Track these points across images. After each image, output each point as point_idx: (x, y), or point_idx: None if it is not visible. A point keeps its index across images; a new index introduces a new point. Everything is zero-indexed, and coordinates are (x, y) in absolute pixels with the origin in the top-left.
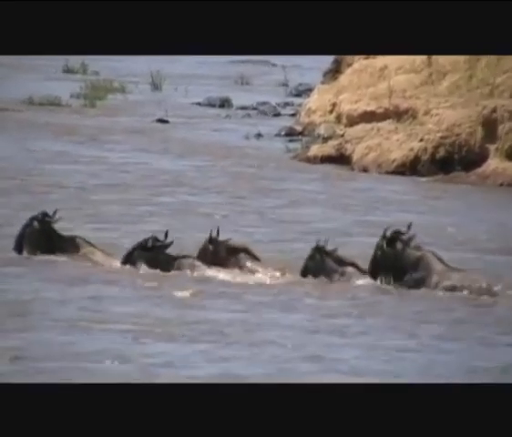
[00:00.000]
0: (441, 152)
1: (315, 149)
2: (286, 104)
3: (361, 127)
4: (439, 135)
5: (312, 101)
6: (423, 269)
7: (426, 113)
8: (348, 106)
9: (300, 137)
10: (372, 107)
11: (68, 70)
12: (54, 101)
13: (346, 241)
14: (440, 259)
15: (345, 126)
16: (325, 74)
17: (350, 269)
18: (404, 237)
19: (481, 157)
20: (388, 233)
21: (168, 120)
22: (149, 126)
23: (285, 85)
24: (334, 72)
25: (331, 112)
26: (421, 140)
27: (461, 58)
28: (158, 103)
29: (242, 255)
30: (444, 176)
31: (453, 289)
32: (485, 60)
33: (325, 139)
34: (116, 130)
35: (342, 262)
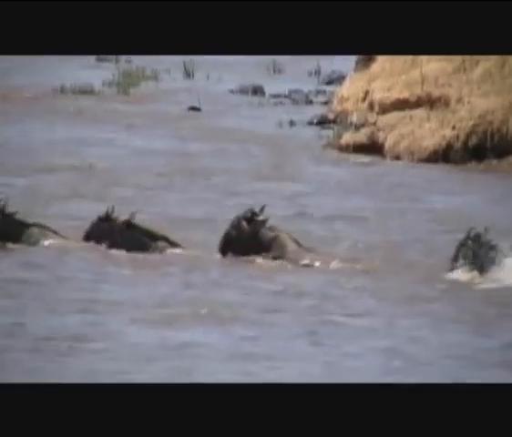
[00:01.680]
0: (473, 140)
1: (347, 137)
2: (318, 92)
3: (393, 115)
4: (471, 123)
5: (345, 89)
6: (277, 249)
7: (459, 101)
8: (380, 93)
9: (332, 125)
10: (404, 95)
11: (100, 58)
12: (86, 89)
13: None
14: (294, 240)
15: (377, 113)
16: (358, 61)
17: (161, 243)
18: (259, 218)
19: None
20: (248, 214)
21: (201, 108)
22: (182, 113)
23: (318, 72)
24: (367, 59)
25: (363, 100)
26: (453, 128)
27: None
28: (191, 91)
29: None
30: (476, 163)
31: (306, 266)
32: None
33: (357, 127)
34: (148, 118)
35: (153, 236)
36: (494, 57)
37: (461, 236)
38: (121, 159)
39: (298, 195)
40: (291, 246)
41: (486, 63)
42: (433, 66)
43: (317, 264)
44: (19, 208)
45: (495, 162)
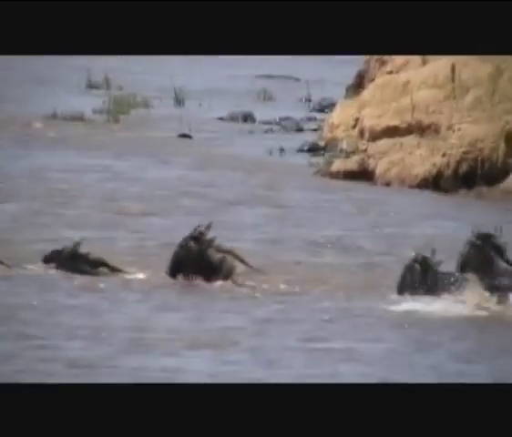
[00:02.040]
0: (464, 167)
1: (338, 164)
2: (309, 119)
3: (384, 142)
4: (462, 150)
5: (335, 116)
6: (225, 270)
7: (449, 128)
8: (371, 120)
9: (322, 152)
10: (395, 122)
11: (91, 85)
12: (76, 116)
13: None
14: (242, 260)
15: (368, 140)
16: (348, 88)
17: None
18: (206, 237)
19: (504, 173)
20: (195, 233)
21: (191, 135)
22: (172, 141)
23: (308, 100)
24: (357, 87)
25: (353, 127)
26: (444, 155)
27: (484, 73)
28: (181, 118)
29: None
30: (466, 191)
31: (253, 287)
32: (507, 75)
33: (348, 154)
34: (138, 145)
35: (94, 264)
36: (484, 84)
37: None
38: (103, 183)
39: (285, 219)
40: (239, 267)
41: (477, 90)
42: (423, 94)
43: (264, 286)
44: None
45: (485, 189)
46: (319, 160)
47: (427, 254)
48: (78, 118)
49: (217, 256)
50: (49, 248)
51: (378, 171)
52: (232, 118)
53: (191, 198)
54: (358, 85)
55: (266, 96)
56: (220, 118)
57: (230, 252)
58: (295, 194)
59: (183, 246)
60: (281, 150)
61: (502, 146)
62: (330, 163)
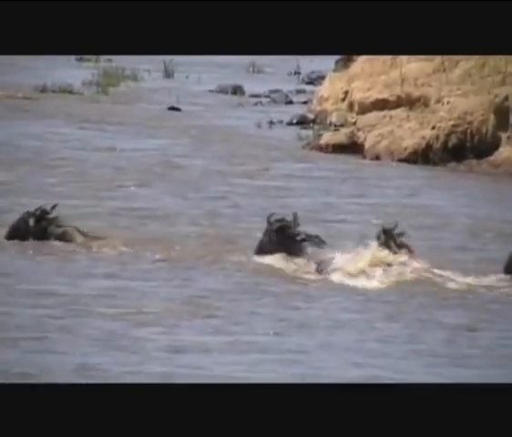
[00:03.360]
0: (453, 140)
1: (327, 137)
2: (298, 91)
3: (373, 115)
4: (451, 123)
5: (324, 89)
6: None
7: (438, 101)
8: (360, 93)
9: (312, 125)
10: (384, 95)
11: (81, 58)
12: (66, 88)
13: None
14: (82, 232)
15: (357, 113)
16: (337, 61)
17: None
18: (50, 216)
19: (493, 146)
20: (38, 211)
21: (180, 108)
22: (161, 113)
23: (297, 72)
24: (346, 60)
25: (343, 100)
26: (433, 128)
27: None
28: (170, 90)
29: None
30: (456, 164)
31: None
32: None
33: (337, 127)
34: (127, 117)
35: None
36: (474, 57)
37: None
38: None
39: (274, 192)
40: (78, 238)
41: (466, 63)
42: (412, 67)
43: (105, 250)
44: None
45: (474, 162)
46: (308, 133)
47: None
48: (68, 91)
49: (57, 231)
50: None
51: (367, 144)
52: (222, 91)
53: (175, 169)
54: (347, 58)
55: (255, 69)
56: (210, 91)
57: (69, 227)
58: (279, 166)
59: (23, 219)
60: (271, 123)
61: (491, 118)
62: (319, 136)
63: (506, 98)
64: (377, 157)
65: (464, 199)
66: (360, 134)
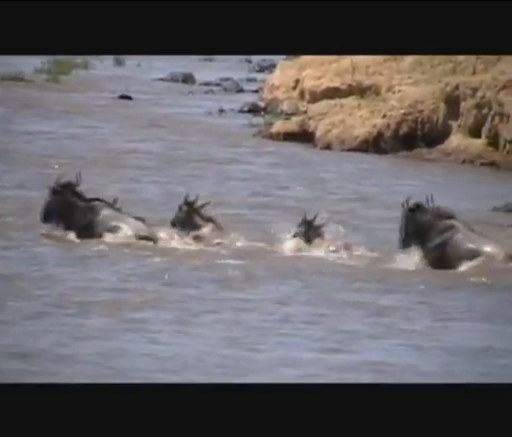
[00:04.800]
0: (404, 128)
1: (278, 126)
2: (249, 80)
3: (324, 104)
4: (402, 111)
5: (275, 77)
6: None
7: (389, 89)
8: (311, 82)
9: (263, 113)
10: (335, 84)
11: None
12: (17, 76)
13: None
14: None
15: (308, 102)
16: None
17: None
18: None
19: (444, 134)
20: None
21: (131, 96)
22: (112, 102)
23: (248, 61)
24: None
25: (294, 88)
26: (384, 116)
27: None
28: (121, 79)
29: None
30: (406, 152)
31: None
32: None
33: (288, 116)
34: (77, 105)
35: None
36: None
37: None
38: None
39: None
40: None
41: None
42: (363, 55)
43: None
44: None
45: (425, 151)
46: (259, 121)
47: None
48: (19, 78)
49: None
50: None
51: (318, 133)
52: (173, 79)
53: (125, 157)
54: None
55: (206, 57)
56: (161, 79)
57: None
58: (229, 152)
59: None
60: (221, 111)
61: (442, 107)
62: (270, 124)
63: (457, 87)
64: (328, 146)
65: (414, 188)
66: (311, 122)
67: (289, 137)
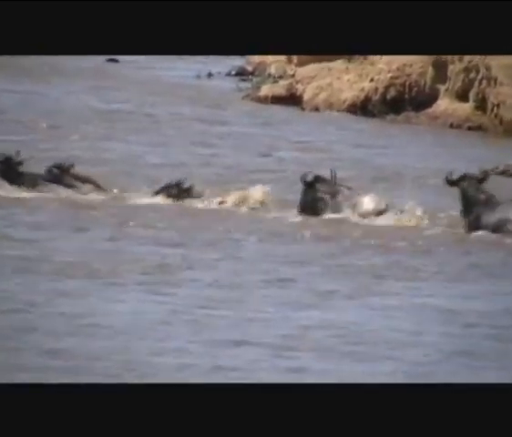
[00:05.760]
0: (391, 92)
1: (266, 89)
2: None
3: (312, 67)
4: (390, 75)
5: None
6: None
7: None
8: None
9: (250, 76)
10: None
11: None
12: None
13: None
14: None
15: (296, 65)
16: None
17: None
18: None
19: (431, 98)
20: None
21: (118, 59)
22: (99, 65)
23: None
24: None
25: None
26: (371, 80)
27: None
28: None
29: None
30: (394, 116)
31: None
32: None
33: (276, 79)
34: (62, 67)
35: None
36: None
37: None
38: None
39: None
40: None
41: None
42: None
43: None
44: None
45: (412, 114)
46: (247, 85)
47: None
48: None
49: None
50: None
51: (306, 96)
52: None
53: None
54: None
55: None
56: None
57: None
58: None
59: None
60: (209, 75)
61: (430, 71)
62: (258, 88)
63: None
64: (316, 109)
65: (403, 150)
66: (299, 86)
67: (276, 100)
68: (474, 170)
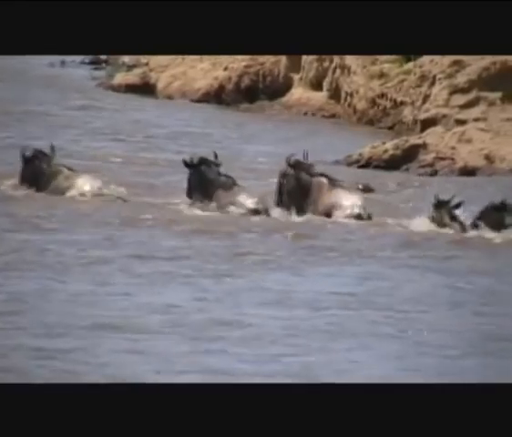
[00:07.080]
0: (245, 81)
1: (120, 78)
2: None
3: (165, 56)
4: (243, 64)
5: None
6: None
7: None
8: None
9: (104, 65)
10: None
11: None
12: None
13: None
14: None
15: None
16: None
17: None
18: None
19: (285, 87)
20: None
21: None
22: None
23: None
24: None
25: None
26: (225, 69)
27: None
28: None
29: None
30: (248, 105)
31: None
32: None
33: (130, 68)
34: None
35: None
36: None
37: None
38: None
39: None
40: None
41: None
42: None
43: None
44: None
45: (267, 103)
46: (101, 74)
47: None
48: None
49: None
50: None
51: (160, 85)
52: None
53: None
54: None
55: None
56: None
57: None
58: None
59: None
60: (63, 63)
61: (283, 60)
62: (111, 76)
63: None
64: (170, 98)
65: (255, 139)
66: (152, 74)
67: (130, 88)
68: (327, 159)
